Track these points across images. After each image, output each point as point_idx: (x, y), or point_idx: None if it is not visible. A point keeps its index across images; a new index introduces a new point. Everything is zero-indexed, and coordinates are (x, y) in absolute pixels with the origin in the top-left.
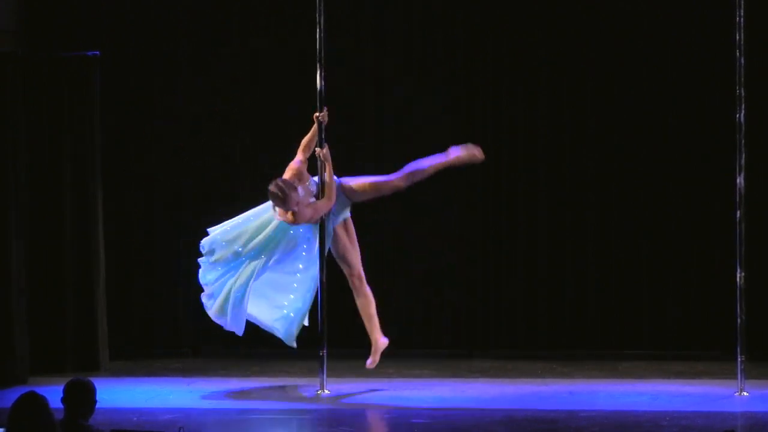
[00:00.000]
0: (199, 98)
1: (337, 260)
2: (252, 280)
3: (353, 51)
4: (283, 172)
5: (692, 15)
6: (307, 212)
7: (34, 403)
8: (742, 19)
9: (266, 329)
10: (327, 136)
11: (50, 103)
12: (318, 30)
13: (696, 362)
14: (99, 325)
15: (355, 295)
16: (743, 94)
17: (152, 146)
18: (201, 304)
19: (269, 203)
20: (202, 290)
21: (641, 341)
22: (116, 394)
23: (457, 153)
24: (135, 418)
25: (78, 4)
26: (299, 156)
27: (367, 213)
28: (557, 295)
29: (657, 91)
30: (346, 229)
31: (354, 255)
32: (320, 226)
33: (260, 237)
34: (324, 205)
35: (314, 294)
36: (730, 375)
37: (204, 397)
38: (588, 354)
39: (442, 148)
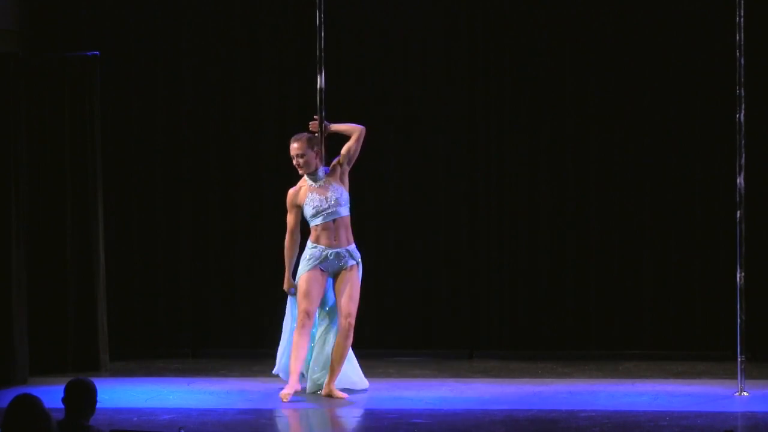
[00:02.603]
0: (199, 98)
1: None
2: None
3: (353, 51)
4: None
5: (692, 15)
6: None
7: (28, 404)
8: (742, 20)
9: None
10: (327, 136)
11: (51, 103)
12: (318, 30)
13: (696, 362)
14: (99, 325)
15: (340, 334)
16: (743, 94)
17: (152, 146)
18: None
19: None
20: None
21: (641, 341)
22: (116, 394)
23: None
24: (135, 418)
25: (78, 4)
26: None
27: (368, 213)
28: (558, 296)
29: (657, 91)
30: (350, 277)
31: (350, 305)
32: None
33: None
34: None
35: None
36: (731, 375)
37: (204, 397)
38: (588, 354)
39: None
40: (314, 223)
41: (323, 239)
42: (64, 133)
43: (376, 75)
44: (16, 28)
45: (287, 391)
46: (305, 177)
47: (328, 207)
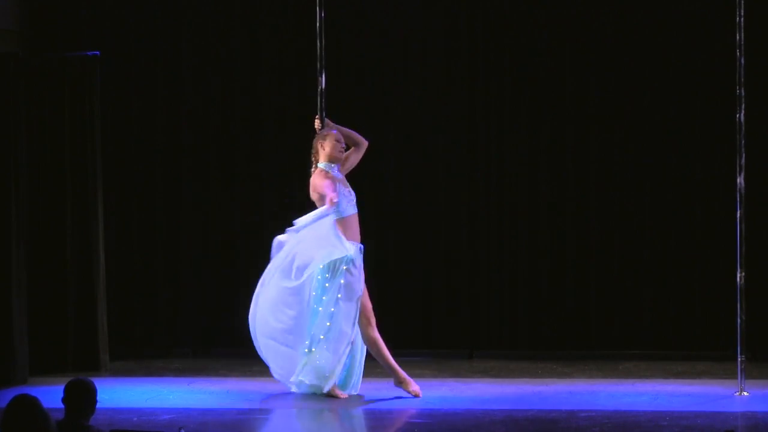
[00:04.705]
0: (199, 98)
1: None
2: None
3: (353, 51)
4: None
5: (692, 15)
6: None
7: (28, 404)
8: (742, 20)
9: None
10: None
11: (51, 103)
12: (319, 30)
13: (696, 362)
14: (99, 325)
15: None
16: (743, 94)
17: (152, 146)
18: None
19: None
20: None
21: (641, 341)
22: (116, 394)
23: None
24: (135, 418)
25: (78, 4)
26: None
27: (368, 213)
28: (558, 296)
29: (657, 91)
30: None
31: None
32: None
33: None
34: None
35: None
36: (731, 375)
37: (204, 397)
38: (588, 354)
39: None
40: (347, 213)
41: (350, 233)
42: (64, 133)
43: (376, 75)
44: (16, 28)
45: (416, 388)
46: (327, 171)
47: (353, 198)
